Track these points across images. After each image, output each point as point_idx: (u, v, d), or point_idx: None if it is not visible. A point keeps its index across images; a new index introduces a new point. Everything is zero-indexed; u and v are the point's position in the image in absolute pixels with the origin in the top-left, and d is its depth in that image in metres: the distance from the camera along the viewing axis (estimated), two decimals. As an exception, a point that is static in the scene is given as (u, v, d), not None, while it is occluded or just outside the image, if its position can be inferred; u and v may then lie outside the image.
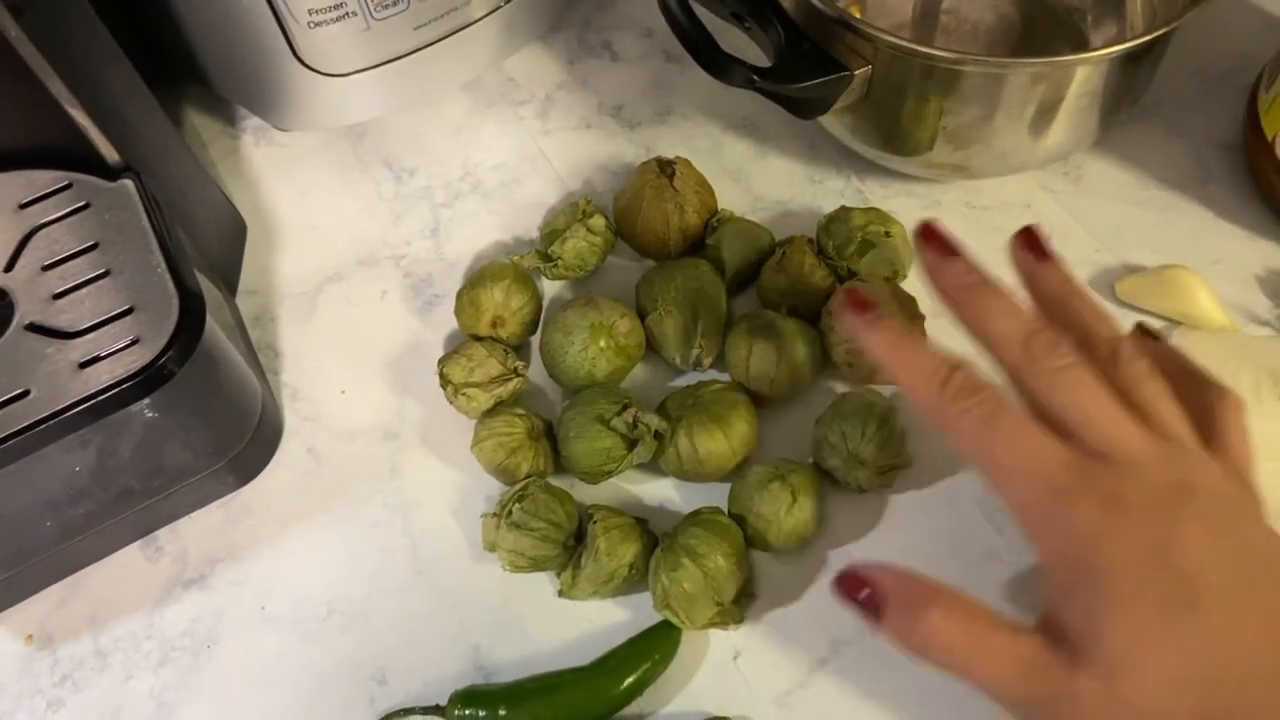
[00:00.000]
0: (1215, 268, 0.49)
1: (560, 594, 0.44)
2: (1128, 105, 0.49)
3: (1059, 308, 0.37)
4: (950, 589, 0.33)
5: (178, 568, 0.47)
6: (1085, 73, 0.44)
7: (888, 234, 0.48)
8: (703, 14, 0.47)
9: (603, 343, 0.46)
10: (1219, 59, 0.56)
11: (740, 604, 0.43)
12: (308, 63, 0.52)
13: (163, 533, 0.47)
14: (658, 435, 0.44)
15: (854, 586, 0.34)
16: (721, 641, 0.43)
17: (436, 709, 0.42)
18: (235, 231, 0.54)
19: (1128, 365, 0.34)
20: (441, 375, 0.47)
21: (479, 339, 0.48)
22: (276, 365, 0.52)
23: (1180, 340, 0.47)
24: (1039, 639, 0.32)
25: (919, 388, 0.35)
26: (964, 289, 0.37)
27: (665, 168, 0.50)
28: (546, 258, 0.51)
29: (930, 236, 0.38)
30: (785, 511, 0.42)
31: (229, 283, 0.53)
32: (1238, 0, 0.59)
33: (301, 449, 0.49)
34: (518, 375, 0.47)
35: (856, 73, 0.45)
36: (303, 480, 0.48)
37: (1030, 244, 0.38)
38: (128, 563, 0.47)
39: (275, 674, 0.44)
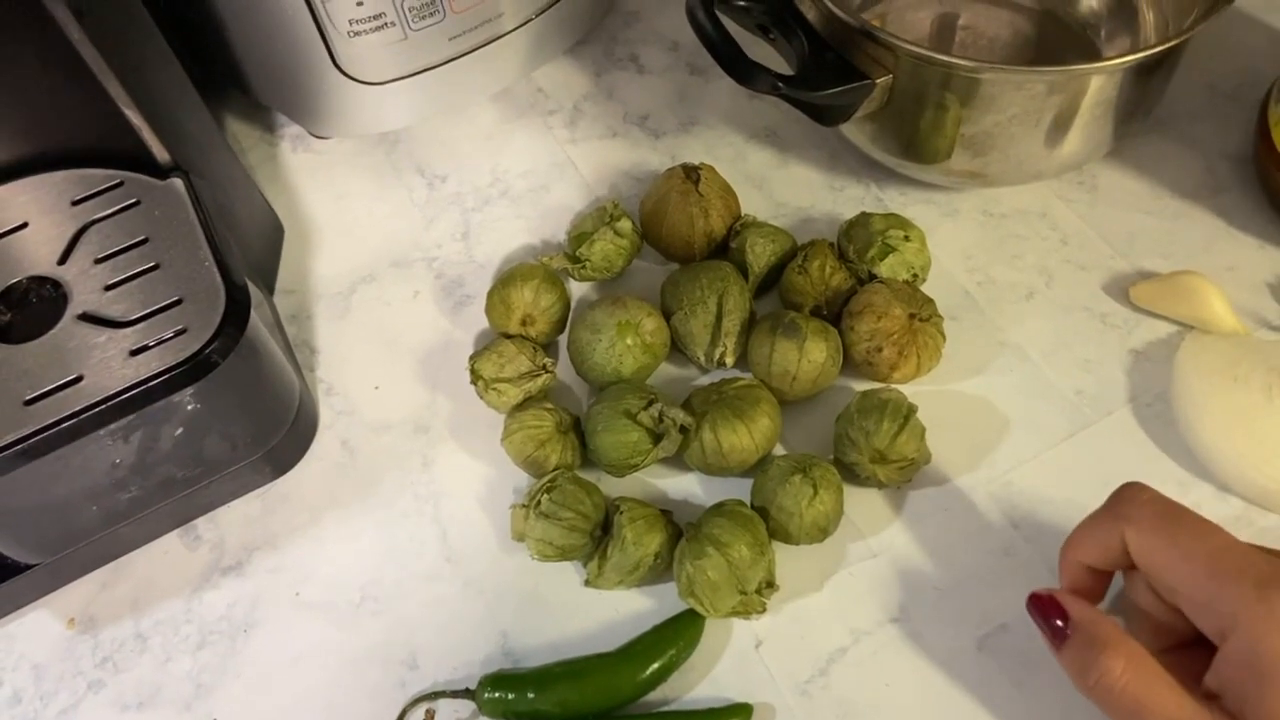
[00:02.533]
0: (1227, 274, 0.51)
1: (587, 583, 0.45)
2: (1141, 117, 0.51)
3: None
4: (1133, 640, 0.35)
5: (216, 555, 0.48)
6: (1099, 82, 0.46)
7: (907, 238, 0.50)
8: (729, 25, 0.49)
9: (629, 340, 0.48)
10: (1230, 74, 0.58)
11: (762, 594, 0.44)
12: (346, 71, 0.54)
13: (201, 521, 0.49)
14: (683, 429, 0.46)
15: (1048, 609, 0.37)
16: (744, 630, 0.44)
17: (466, 692, 0.43)
18: (273, 233, 0.56)
19: None
20: (473, 371, 0.49)
21: (509, 337, 0.50)
22: (312, 362, 0.53)
23: (1194, 344, 0.48)
24: (1205, 712, 0.33)
25: None
26: None
27: (690, 173, 0.52)
28: (575, 259, 0.52)
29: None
30: (807, 504, 0.43)
31: (267, 282, 0.55)
32: (1248, 17, 0.60)
33: (336, 441, 0.51)
34: (547, 371, 0.49)
35: (878, 81, 0.47)
36: (337, 472, 0.50)
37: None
38: (168, 549, 0.48)
39: (309, 658, 0.45)
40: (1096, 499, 0.45)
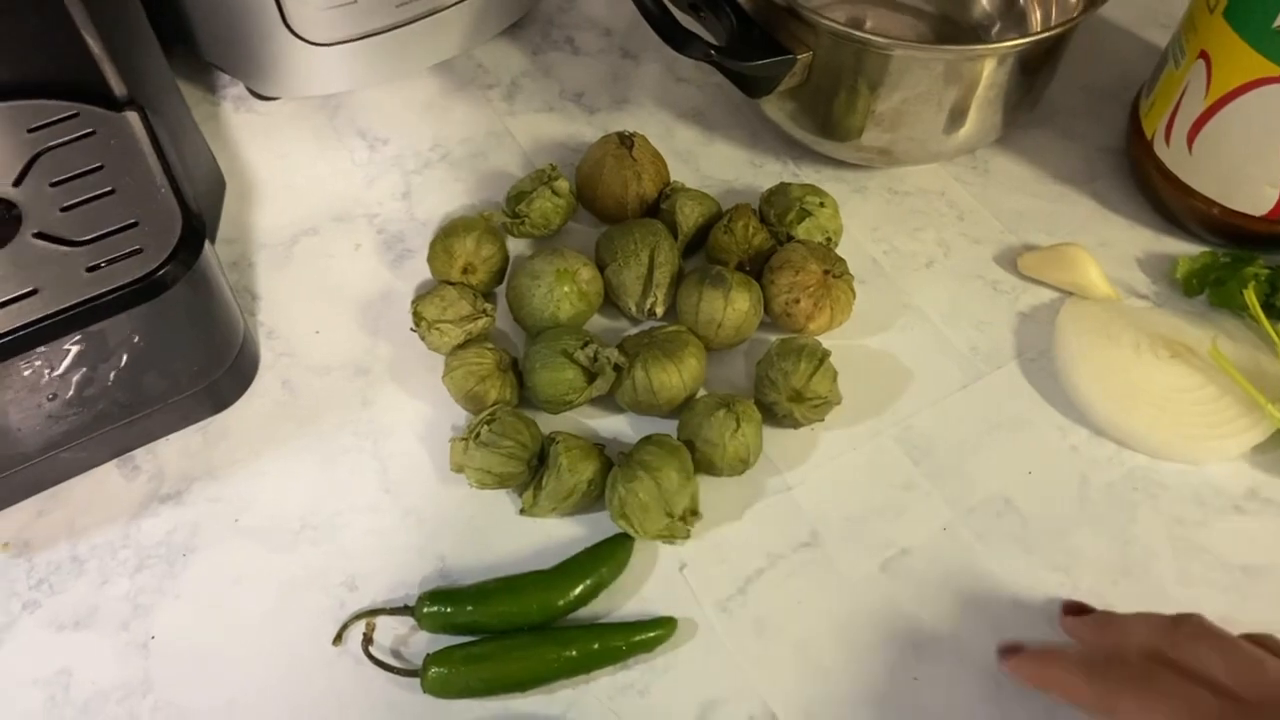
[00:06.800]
0: (1101, 249, 0.57)
1: (522, 511, 0.47)
2: (1027, 107, 0.57)
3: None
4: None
5: (154, 485, 0.49)
6: (991, 66, 0.51)
7: (822, 204, 0.54)
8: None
9: (566, 287, 0.51)
10: (1106, 78, 0.65)
11: (687, 520, 0.47)
12: (296, 30, 0.56)
13: (140, 452, 0.50)
14: (616, 367, 0.49)
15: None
16: (669, 554, 0.47)
17: (406, 608, 0.45)
18: (216, 184, 0.58)
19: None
20: (415, 313, 0.51)
21: (451, 284, 0.52)
22: (253, 307, 0.55)
23: (1072, 308, 0.54)
24: None
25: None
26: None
27: (625, 139, 0.56)
28: (514, 215, 0.55)
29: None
30: (730, 436, 0.47)
31: (209, 230, 0.56)
32: (1122, 29, 0.68)
33: (277, 381, 0.52)
34: (487, 315, 0.51)
35: (799, 57, 0.51)
36: (278, 409, 0.51)
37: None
38: (105, 479, 0.49)
39: (248, 580, 0.46)
40: (986, 440, 0.51)
